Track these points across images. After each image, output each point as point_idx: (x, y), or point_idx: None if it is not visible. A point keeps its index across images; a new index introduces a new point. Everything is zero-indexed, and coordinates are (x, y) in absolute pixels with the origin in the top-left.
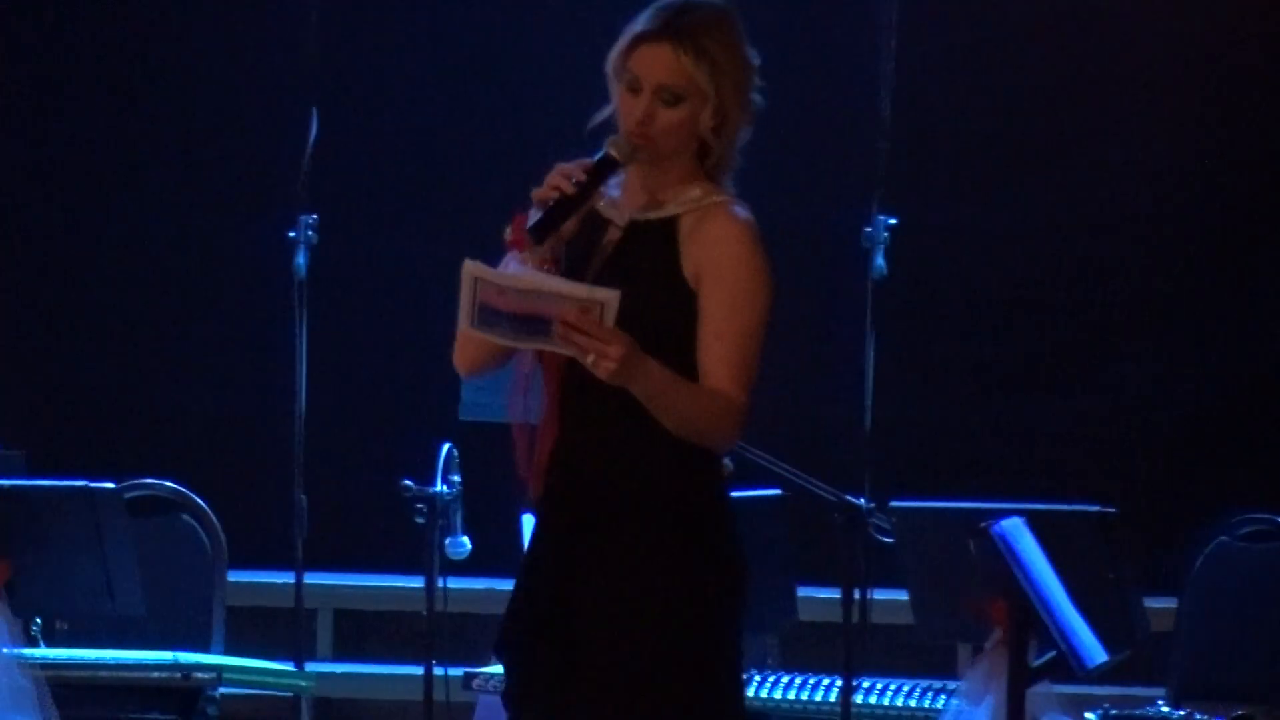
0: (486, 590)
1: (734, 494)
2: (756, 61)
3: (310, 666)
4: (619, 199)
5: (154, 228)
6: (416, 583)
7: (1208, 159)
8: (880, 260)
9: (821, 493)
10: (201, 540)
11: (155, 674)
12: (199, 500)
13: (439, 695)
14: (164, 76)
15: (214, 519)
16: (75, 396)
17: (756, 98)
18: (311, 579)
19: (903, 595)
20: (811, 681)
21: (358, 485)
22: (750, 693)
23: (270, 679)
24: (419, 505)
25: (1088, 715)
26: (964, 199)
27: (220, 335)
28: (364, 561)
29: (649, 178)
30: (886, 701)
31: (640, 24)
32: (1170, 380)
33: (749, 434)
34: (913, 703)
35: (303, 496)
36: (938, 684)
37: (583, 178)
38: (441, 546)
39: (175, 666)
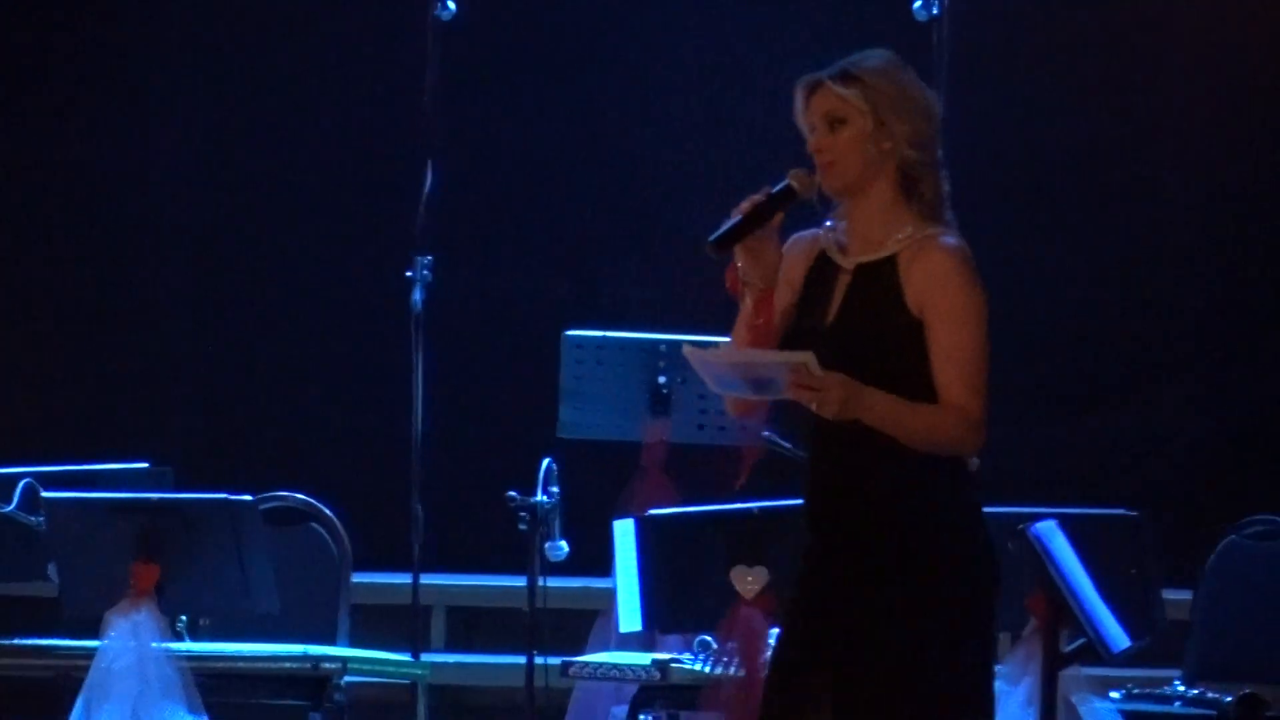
0: (582, 588)
1: (780, 503)
2: (933, 98)
3: (425, 657)
4: (847, 245)
5: (291, 264)
6: (520, 582)
7: (1242, 193)
8: None
9: None
10: (329, 546)
11: (288, 664)
12: (327, 510)
13: (539, 682)
14: (301, 121)
15: (340, 527)
16: (217, 419)
17: (937, 133)
18: (426, 579)
19: None
20: None
21: (468, 496)
22: None
23: (390, 668)
24: (522, 513)
25: (1113, 694)
26: (1020, 233)
27: (348, 364)
28: (473, 563)
29: (863, 221)
30: None
31: (808, 76)
32: (1188, 400)
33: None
34: None
35: (419, 506)
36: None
37: (760, 199)
38: (541, 550)
39: (305, 658)
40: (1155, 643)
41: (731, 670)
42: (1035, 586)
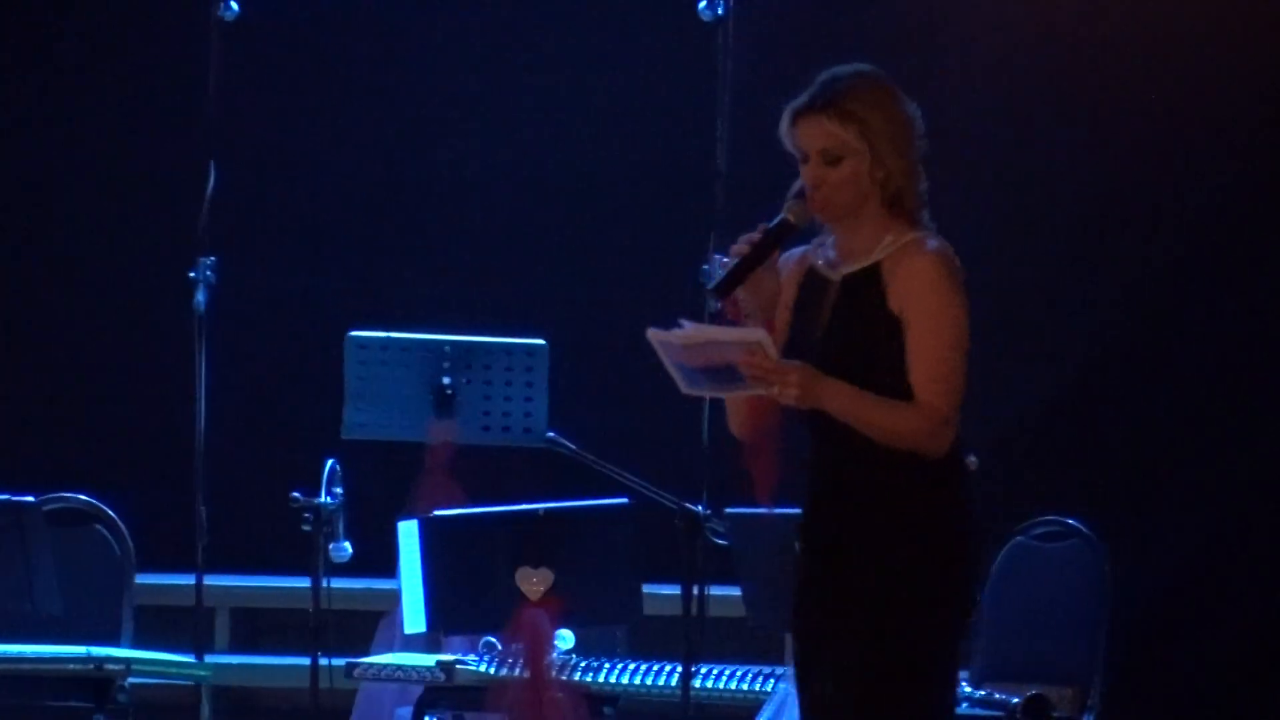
0: (365, 590)
1: (588, 503)
2: (915, 113)
3: (210, 658)
4: (834, 259)
5: (74, 264)
6: (304, 583)
7: (1024, 191)
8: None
9: (664, 501)
10: (112, 547)
11: (71, 666)
12: (110, 512)
13: (324, 683)
14: (83, 120)
15: (123, 528)
16: None
17: (920, 144)
18: (210, 580)
19: (736, 591)
20: (656, 668)
21: (252, 497)
22: (601, 679)
23: (174, 669)
24: (306, 514)
25: None
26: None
27: (131, 364)
28: (258, 564)
29: (849, 235)
30: (721, 685)
31: (795, 102)
32: (972, 401)
33: (602, 450)
34: (745, 686)
35: (202, 508)
36: (767, 669)
37: (757, 239)
38: (326, 551)
39: (89, 659)
40: None
41: (516, 671)
42: None
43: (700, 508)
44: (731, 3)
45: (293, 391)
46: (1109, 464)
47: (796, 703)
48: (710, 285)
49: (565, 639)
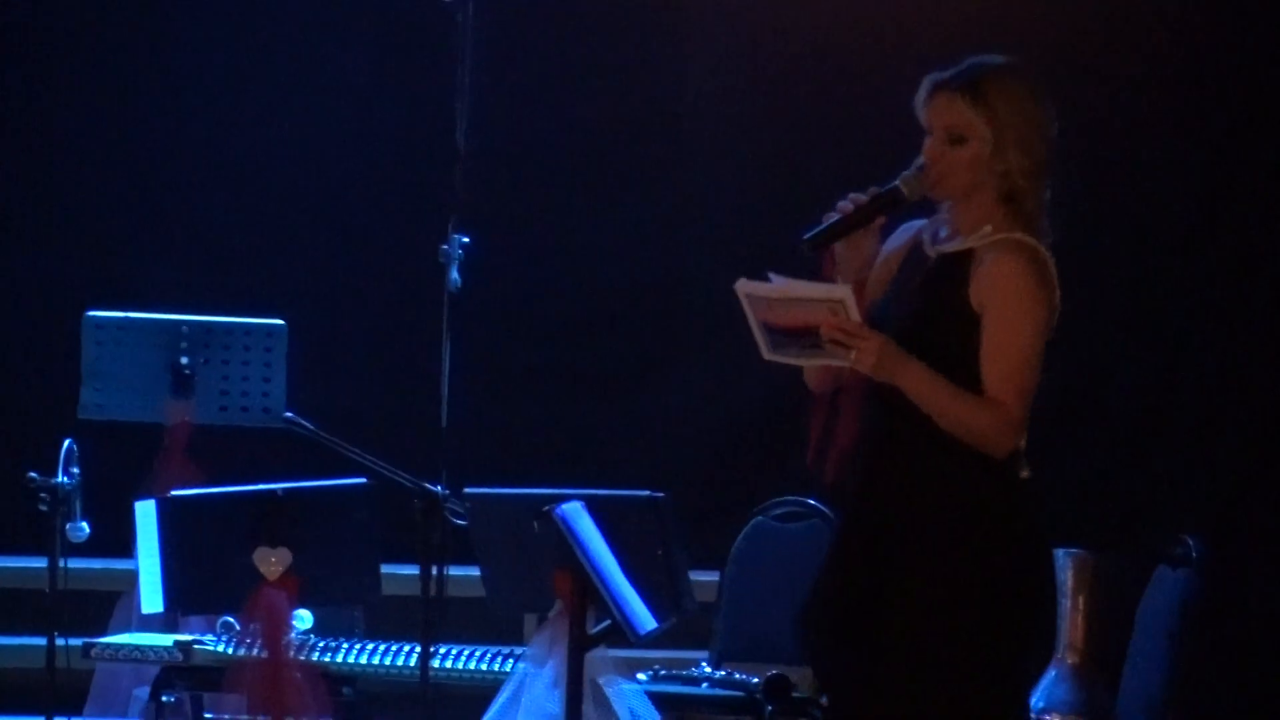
0: (103, 570)
1: (326, 483)
2: (1052, 116)
3: None
4: (940, 238)
5: None
6: (40, 563)
7: (776, 170)
8: (455, 274)
9: (403, 481)
10: None
11: None
12: None
13: (61, 663)
14: None
15: None
16: None
17: (1044, 149)
18: None
19: (476, 571)
20: (394, 649)
21: None
22: (339, 659)
23: None
24: (42, 494)
25: (640, 676)
26: (532, 221)
27: None
28: None
29: (957, 218)
30: (460, 666)
31: (937, 75)
32: (715, 382)
33: (341, 431)
34: (484, 666)
35: None
36: (506, 650)
37: (864, 202)
38: (62, 531)
39: None
40: (682, 624)
41: (254, 651)
42: (561, 568)
43: (439, 488)
44: None
45: (29, 371)
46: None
47: (535, 683)
48: (805, 235)
49: (303, 619)
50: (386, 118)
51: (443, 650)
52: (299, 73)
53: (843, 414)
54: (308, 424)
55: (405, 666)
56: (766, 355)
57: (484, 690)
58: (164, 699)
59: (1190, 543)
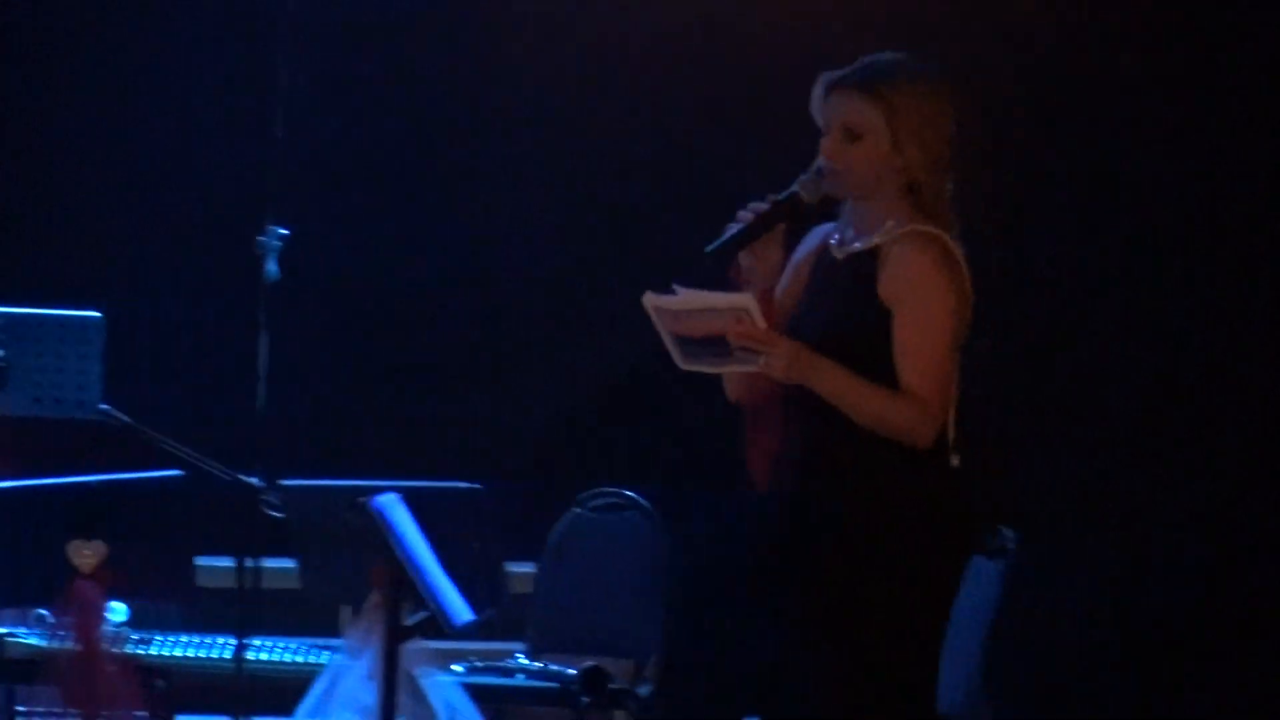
0: None
1: (141, 475)
2: (950, 110)
3: None
4: (846, 238)
5: None
6: None
7: (604, 165)
8: (272, 265)
9: (219, 473)
10: None
11: None
12: None
13: None
14: None
15: None
16: None
17: (942, 142)
18: None
19: (292, 564)
20: (210, 641)
21: None
22: (154, 651)
23: None
24: None
25: (455, 667)
26: (353, 214)
27: None
28: None
29: (864, 215)
30: (277, 658)
31: (832, 74)
32: (533, 378)
33: (156, 423)
34: (300, 658)
35: None
36: (322, 642)
37: (763, 210)
38: None
39: None
40: (499, 616)
41: (68, 644)
42: (377, 559)
43: (255, 480)
44: None
45: None
46: (667, 437)
47: (350, 675)
48: (708, 247)
49: (118, 611)
50: (205, 107)
51: (258, 642)
52: (113, 59)
53: (766, 420)
54: (123, 416)
55: (220, 659)
56: (682, 365)
57: (299, 682)
58: None
59: (1005, 535)
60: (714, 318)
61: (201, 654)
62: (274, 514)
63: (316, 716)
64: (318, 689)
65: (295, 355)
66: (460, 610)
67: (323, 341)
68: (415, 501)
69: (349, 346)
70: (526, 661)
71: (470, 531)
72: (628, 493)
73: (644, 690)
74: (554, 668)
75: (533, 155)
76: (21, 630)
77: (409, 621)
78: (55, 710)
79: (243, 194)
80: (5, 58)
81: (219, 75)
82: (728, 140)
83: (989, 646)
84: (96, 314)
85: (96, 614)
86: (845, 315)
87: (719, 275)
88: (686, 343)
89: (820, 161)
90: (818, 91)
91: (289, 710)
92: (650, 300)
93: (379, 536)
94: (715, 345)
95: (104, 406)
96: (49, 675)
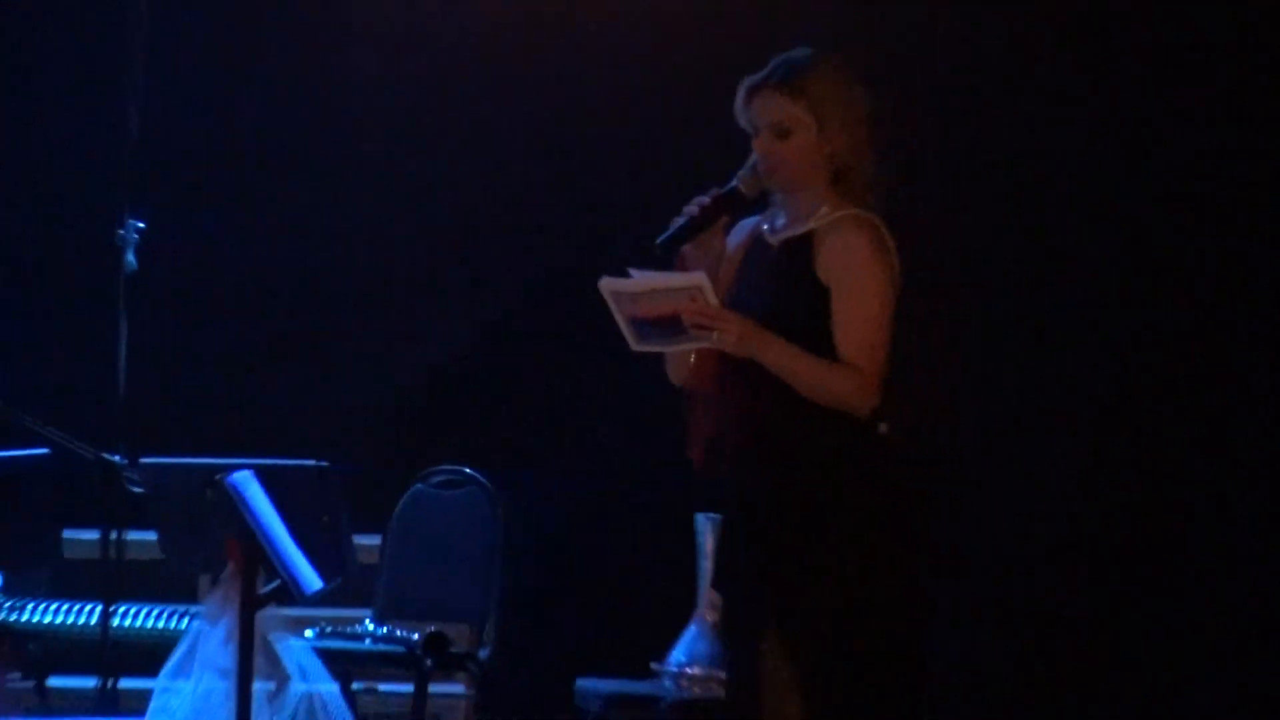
0: None
1: (9, 453)
2: (866, 96)
3: None
4: (779, 225)
5: None
6: None
7: (512, 154)
8: (131, 256)
9: (82, 451)
10: None
11: None
12: None
13: None
14: None
15: None
16: None
17: (872, 127)
18: None
19: (154, 536)
20: (77, 608)
21: None
22: (25, 618)
23: None
24: None
25: (307, 632)
26: (206, 205)
27: None
28: None
29: (795, 204)
30: (140, 624)
31: (750, 78)
32: (375, 361)
33: (24, 404)
34: (162, 624)
35: None
36: (183, 609)
37: (707, 204)
38: None
39: None
40: (347, 584)
41: None
42: (233, 532)
43: (118, 458)
44: None
45: None
46: (500, 417)
47: (210, 639)
48: (658, 240)
49: None
50: (65, 107)
51: (123, 609)
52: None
53: (706, 404)
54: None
55: (88, 625)
56: (635, 347)
57: (162, 646)
58: None
59: None
60: (668, 298)
61: (70, 620)
62: (136, 489)
63: (178, 677)
64: (179, 653)
65: (153, 341)
66: (310, 579)
67: (180, 328)
68: (267, 478)
69: (205, 332)
70: (373, 627)
71: (319, 506)
72: (466, 470)
73: (484, 654)
74: (399, 633)
75: (376, 152)
76: None
77: (263, 590)
78: None
79: (101, 189)
80: None
81: (77, 76)
82: (559, 131)
83: None
84: None
85: None
86: (785, 295)
87: (665, 266)
88: (640, 325)
89: (754, 159)
90: (740, 96)
91: (153, 672)
92: (607, 285)
93: (234, 511)
94: (667, 326)
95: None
96: None
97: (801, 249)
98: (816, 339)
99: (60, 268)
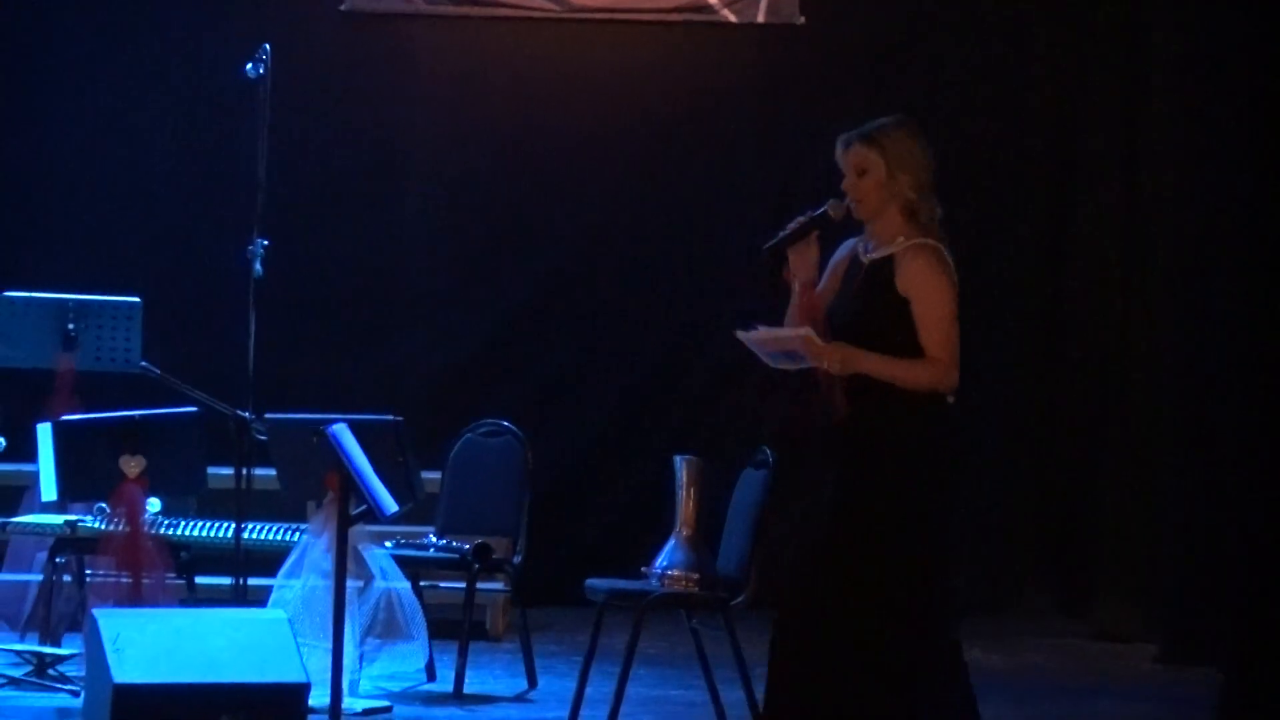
0: (14, 470)
1: (168, 410)
2: (930, 151)
3: None
4: (868, 249)
5: None
6: None
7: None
8: (258, 266)
9: (222, 409)
10: None
11: None
12: None
13: None
14: None
15: None
16: None
17: (926, 174)
18: None
19: (273, 472)
20: (217, 525)
21: None
22: (179, 532)
23: None
24: None
25: (386, 543)
26: (310, 229)
27: None
28: None
29: (878, 234)
30: (263, 537)
31: (845, 135)
32: (434, 342)
33: (180, 374)
34: (279, 537)
35: None
36: (295, 526)
37: (804, 221)
38: None
39: None
40: (415, 508)
41: (120, 528)
42: (331, 469)
43: (247, 414)
44: (269, 65)
45: None
46: (532, 385)
47: (315, 548)
48: (764, 246)
49: (154, 504)
50: (205, 158)
51: (251, 526)
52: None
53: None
54: (156, 369)
55: (225, 538)
56: (772, 365)
57: (279, 553)
58: (58, 560)
59: (767, 452)
60: (788, 341)
61: (212, 534)
62: (261, 438)
63: (291, 577)
64: (292, 558)
65: (273, 329)
66: (389, 504)
67: (292, 320)
68: (357, 430)
69: (310, 323)
70: (435, 539)
71: (395, 450)
72: (504, 423)
73: (517, 559)
74: (454, 544)
75: (426, 186)
76: (88, 518)
77: (354, 512)
78: (112, 573)
79: (237, 218)
80: (74, 120)
81: (225, 141)
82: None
83: (755, 533)
84: (137, 300)
85: (139, 506)
86: (874, 305)
87: (773, 267)
88: (771, 354)
89: (843, 191)
90: (838, 147)
91: (273, 573)
92: (743, 336)
93: (333, 453)
94: (790, 355)
95: (144, 363)
96: (107, 549)
97: (885, 268)
98: (899, 338)
99: (207, 275)
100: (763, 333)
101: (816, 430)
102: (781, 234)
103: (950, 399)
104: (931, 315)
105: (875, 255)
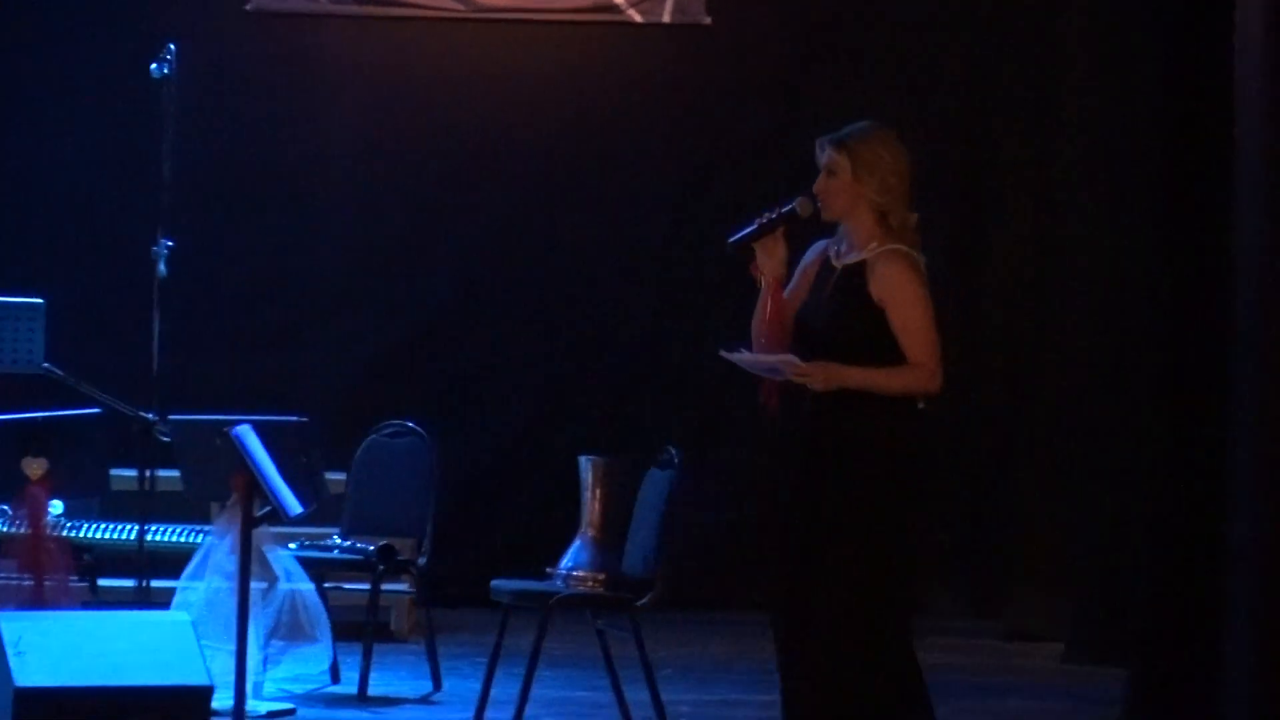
0: None
1: (70, 412)
2: (903, 157)
3: None
4: (840, 252)
5: None
6: None
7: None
8: (162, 266)
9: (125, 410)
10: None
11: None
12: None
13: None
14: None
15: None
16: None
17: (897, 180)
18: None
19: (177, 473)
20: (120, 527)
21: None
22: (82, 534)
23: None
24: None
25: (290, 545)
26: (216, 228)
27: None
28: None
29: (851, 237)
30: (166, 539)
31: (822, 138)
32: (341, 344)
33: (83, 375)
34: (183, 539)
35: None
36: (199, 528)
37: (771, 217)
38: None
39: None
40: (320, 509)
41: (23, 529)
42: (236, 470)
43: (151, 415)
44: (174, 65)
45: None
46: (436, 387)
47: (219, 549)
48: (729, 239)
49: (56, 506)
50: (106, 154)
51: (154, 528)
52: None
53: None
54: (59, 370)
55: (128, 539)
56: (759, 374)
57: (183, 555)
58: None
59: (672, 451)
60: (772, 362)
61: (115, 536)
62: (164, 439)
63: (195, 579)
64: (196, 559)
65: (177, 329)
66: (293, 505)
67: (196, 320)
68: (262, 430)
69: (215, 323)
70: (340, 540)
71: (300, 451)
72: (409, 424)
73: (422, 560)
74: (359, 545)
75: (332, 193)
76: None
77: (258, 513)
78: (14, 576)
79: (141, 218)
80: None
81: (128, 131)
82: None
83: (661, 529)
84: (40, 301)
85: (42, 508)
86: (847, 311)
87: (740, 261)
88: (756, 368)
89: (813, 191)
90: (818, 149)
91: (177, 574)
92: (729, 356)
93: (237, 454)
94: (774, 369)
95: (46, 365)
96: (9, 552)
97: (857, 273)
98: (874, 343)
99: (111, 275)
100: (747, 356)
101: (775, 428)
102: (748, 228)
103: (921, 405)
104: (911, 321)
105: (848, 260)
